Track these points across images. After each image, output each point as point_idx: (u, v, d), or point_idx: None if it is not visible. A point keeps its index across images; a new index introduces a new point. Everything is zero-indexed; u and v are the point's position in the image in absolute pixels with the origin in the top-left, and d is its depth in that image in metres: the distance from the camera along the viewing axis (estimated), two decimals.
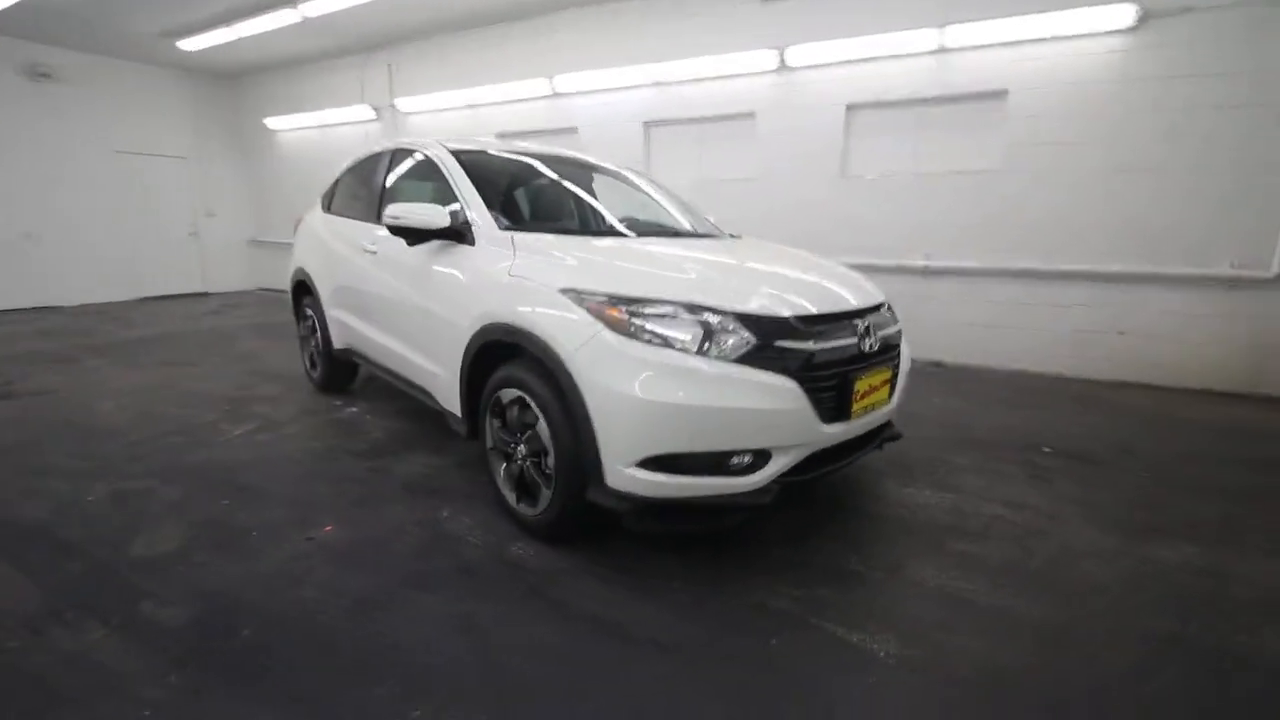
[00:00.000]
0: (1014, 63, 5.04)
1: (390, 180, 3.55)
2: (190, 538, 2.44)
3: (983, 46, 5.11)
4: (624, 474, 2.05)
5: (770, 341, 2.07)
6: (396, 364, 3.33)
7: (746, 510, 2.17)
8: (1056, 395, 4.71)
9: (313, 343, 4.40)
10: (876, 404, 2.39)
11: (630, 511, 2.12)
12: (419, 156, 3.33)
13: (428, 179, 3.33)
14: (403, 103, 8.31)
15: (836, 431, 2.23)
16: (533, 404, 2.29)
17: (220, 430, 3.67)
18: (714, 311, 2.05)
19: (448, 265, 2.77)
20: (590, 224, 3.46)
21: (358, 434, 3.65)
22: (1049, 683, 1.75)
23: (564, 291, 2.19)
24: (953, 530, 2.61)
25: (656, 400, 1.96)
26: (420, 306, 2.94)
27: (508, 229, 2.68)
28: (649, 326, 2.03)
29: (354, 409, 4.11)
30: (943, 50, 5.26)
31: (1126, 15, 4.55)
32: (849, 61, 5.63)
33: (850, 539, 2.53)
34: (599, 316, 2.07)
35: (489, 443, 2.61)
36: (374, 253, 3.37)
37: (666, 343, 2.01)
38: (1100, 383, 5.03)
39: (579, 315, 2.11)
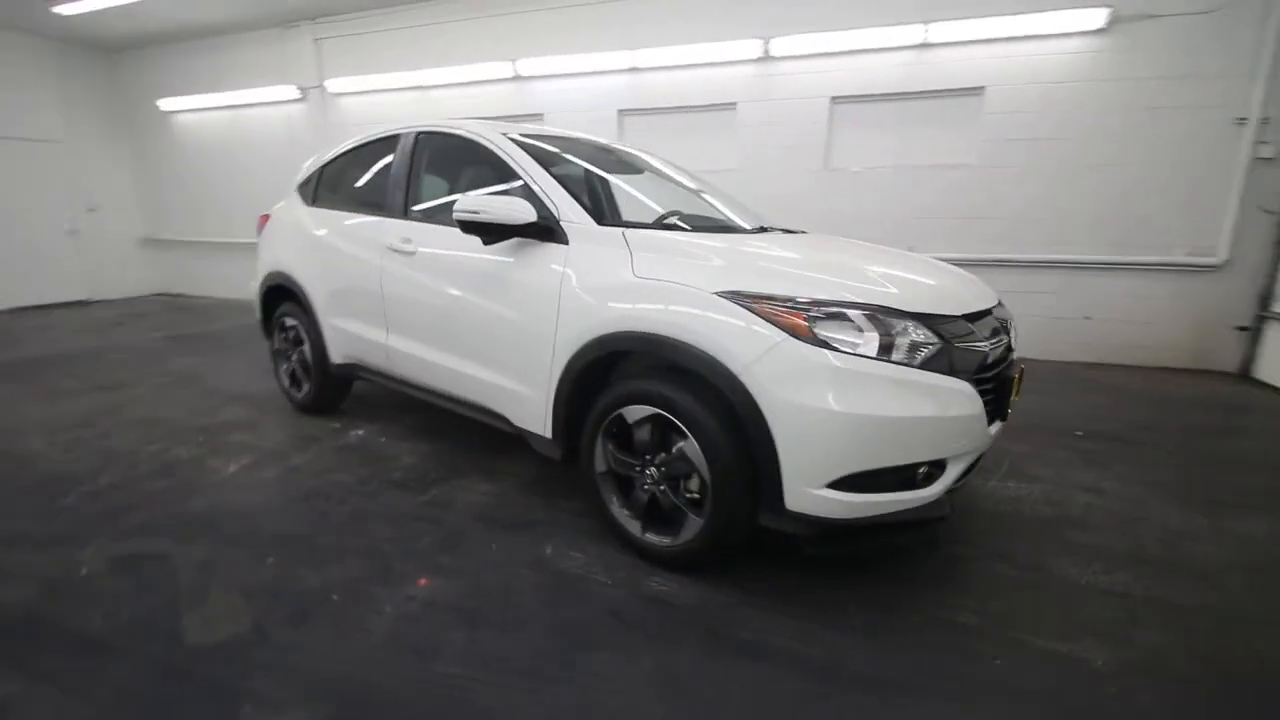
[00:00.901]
0: (991, 60, 5.25)
1: (421, 169, 3.10)
2: (257, 611, 1.98)
3: (963, 43, 5.28)
4: (810, 495, 1.86)
5: (951, 343, 1.95)
6: (444, 381, 2.92)
7: (925, 525, 2.05)
8: (1045, 378, 4.98)
9: (294, 356, 3.82)
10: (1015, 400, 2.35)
11: (813, 536, 1.93)
12: (462, 141, 2.92)
13: (473, 166, 2.95)
14: (335, 83, 7.49)
15: (995, 433, 2.16)
16: (678, 422, 2.04)
17: (209, 468, 3.08)
18: (900, 315, 1.89)
19: (533, 267, 2.43)
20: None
21: (385, 461, 3.18)
22: (1272, 671, 1.77)
23: (723, 295, 1.95)
24: (1060, 521, 2.64)
25: (857, 414, 1.78)
26: (491, 315, 2.57)
27: (611, 225, 2.38)
28: (836, 334, 1.84)
29: (359, 431, 3.60)
30: (925, 45, 5.39)
31: (1098, 18, 4.85)
32: (833, 54, 5.65)
33: (974, 539, 2.48)
34: (777, 323, 1.86)
35: (599, 467, 2.32)
36: (410, 253, 2.92)
37: (857, 350, 1.83)
38: (1073, 364, 5.39)
39: (750, 322, 1.88)
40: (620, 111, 6.50)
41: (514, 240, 2.47)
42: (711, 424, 1.97)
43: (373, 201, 3.30)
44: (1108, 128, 5.04)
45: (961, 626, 1.95)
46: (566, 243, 2.38)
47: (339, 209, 3.51)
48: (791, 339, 1.83)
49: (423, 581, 2.15)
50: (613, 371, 2.35)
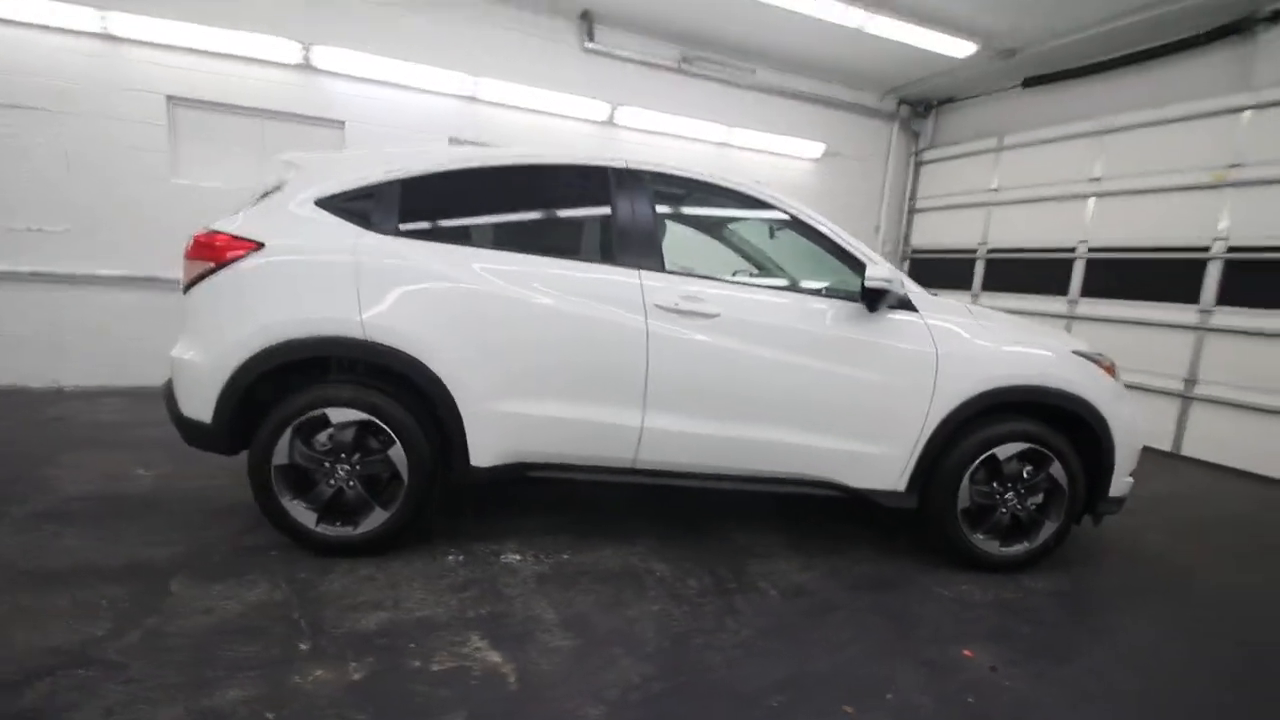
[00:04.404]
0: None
1: (664, 216, 2.60)
2: None
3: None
4: (1125, 482, 2.82)
5: None
6: (735, 458, 2.60)
7: None
8: None
9: (352, 468, 2.40)
10: None
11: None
12: (734, 195, 2.69)
13: (733, 220, 2.73)
14: None
15: None
16: (1048, 452, 2.67)
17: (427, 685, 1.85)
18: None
19: (902, 333, 2.59)
20: None
21: (666, 584, 2.49)
22: None
23: (1075, 353, 2.73)
24: None
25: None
26: (847, 381, 2.56)
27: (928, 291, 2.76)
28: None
29: (512, 557, 2.58)
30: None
31: (819, 150, 7.18)
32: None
33: None
34: (1109, 373, 2.76)
35: (961, 504, 2.68)
36: (711, 315, 2.47)
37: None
38: None
39: (1099, 373, 2.72)
40: None
41: (855, 306, 2.58)
42: (1070, 450, 2.70)
43: (560, 244, 2.57)
44: None
45: None
46: (916, 310, 2.65)
47: (482, 247, 2.49)
48: (1116, 383, 2.76)
49: (968, 653, 2.14)
50: (985, 422, 2.69)
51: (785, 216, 2.72)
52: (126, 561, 2.36)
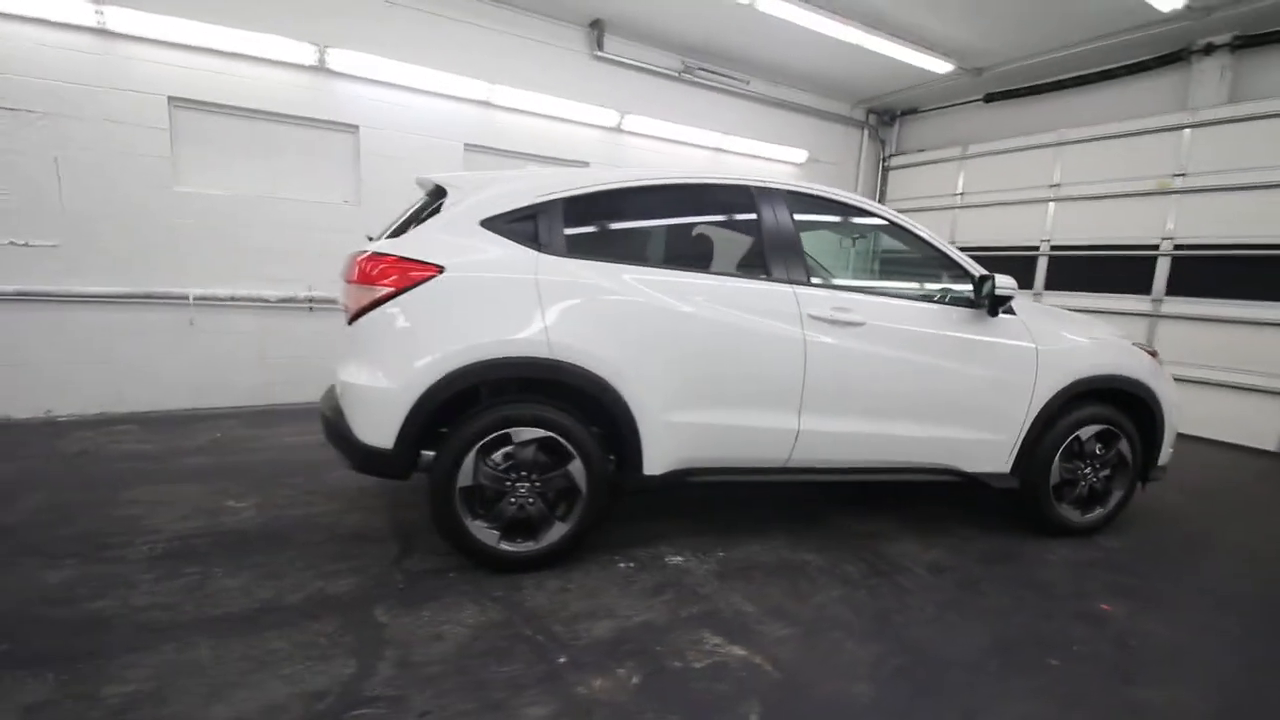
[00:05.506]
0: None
1: (800, 231, 2.79)
2: None
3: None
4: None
5: None
6: (873, 452, 2.85)
7: None
8: None
9: (531, 486, 2.43)
10: None
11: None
12: (836, 203, 2.98)
13: (845, 234, 2.96)
14: None
15: None
16: (1119, 430, 3.11)
17: None
18: None
19: (1010, 332, 2.93)
20: None
21: (818, 573, 2.69)
22: None
23: (1134, 344, 3.18)
24: None
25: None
26: (968, 377, 2.87)
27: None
28: None
29: (675, 559, 2.70)
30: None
31: (803, 156, 7.59)
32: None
33: None
34: (1154, 358, 3.23)
35: (1053, 481, 3.06)
36: (858, 324, 2.69)
37: None
38: None
39: (1150, 360, 3.18)
40: None
41: (969, 311, 2.90)
42: (1133, 428, 3.14)
43: (717, 260, 2.71)
44: None
45: None
46: (1014, 312, 3.00)
47: (644, 264, 2.58)
48: (1158, 365, 3.24)
49: (1106, 607, 2.49)
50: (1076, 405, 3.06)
51: (904, 230, 2.99)
52: (306, 597, 2.28)
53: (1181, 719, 1.88)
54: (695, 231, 2.90)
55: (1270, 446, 5.11)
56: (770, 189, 2.82)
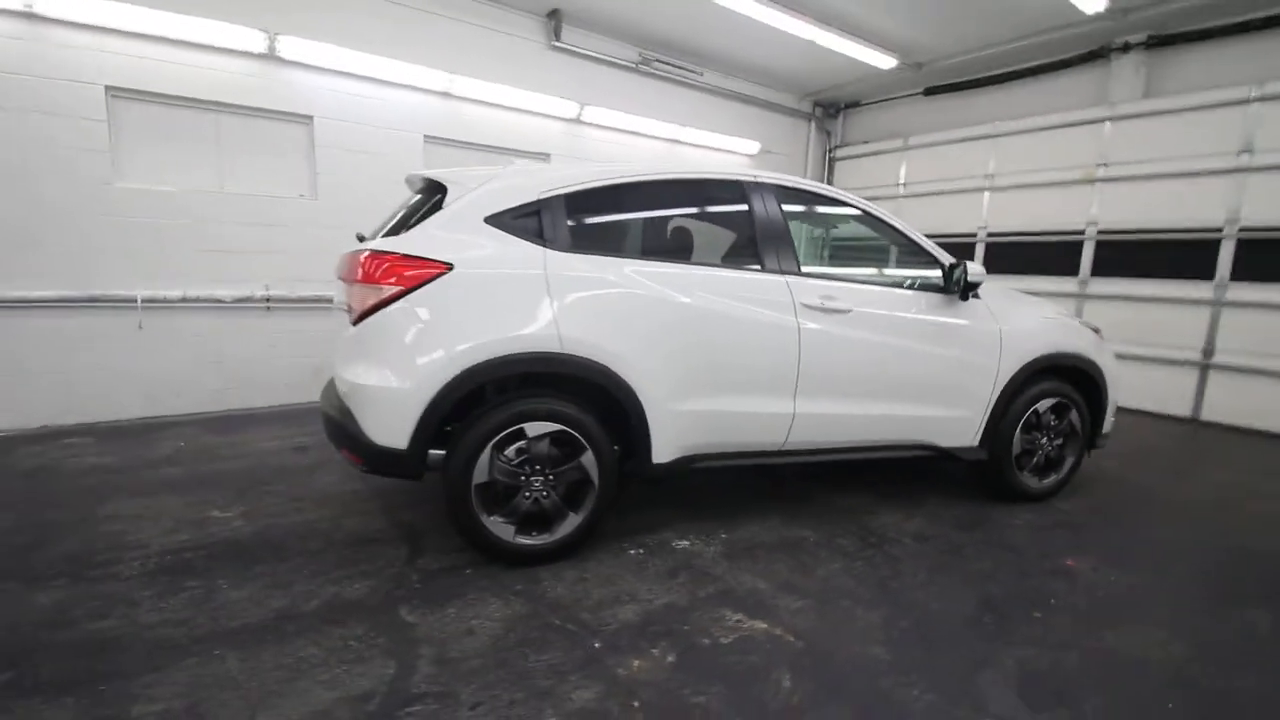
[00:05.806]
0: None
1: (789, 222, 2.91)
2: None
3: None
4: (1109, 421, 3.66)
5: None
6: (859, 432, 3.03)
7: None
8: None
9: (547, 480, 2.48)
10: None
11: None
12: (819, 196, 3.19)
13: (828, 226, 3.11)
14: None
15: None
16: (1076, 400, 3.40)
17: None
18: None
19: (977, 315, 3.16)
20: None
21: (817, 548, 2.84)
22: None
23: (1083, 324, 3.48)
24: None
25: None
26: (942, 358, 3.08)
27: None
28: None
29: (682, 543, 2.80)
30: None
31: (755, 147, 7.78)
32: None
33: None
34: (1097, 334, 3.55)
35: (1014, 451, 3.33)
36: (845, 310, 2.84)
37: None
38: None
39: (1095, 337, 3.50)
40: None
41: (939, 296, 3.11)
42: (1081, 399, 3.45)
43: (714, 252, 2.80)
44: None
45: None
46: (979, 296, 3.24)
47: (645, 258, 2.65)
48: (1101, 341, 3.56)
49: (1070, 562, 2.76)
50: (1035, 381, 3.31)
51: (879, 220, 3.16)
52: (324, 603, 2.25)
53: (1159, 655, 2.12)
54: (693, 225, 2.98)
55: (1185, 413, 5.67)
56: (761, 183, 2.93)
